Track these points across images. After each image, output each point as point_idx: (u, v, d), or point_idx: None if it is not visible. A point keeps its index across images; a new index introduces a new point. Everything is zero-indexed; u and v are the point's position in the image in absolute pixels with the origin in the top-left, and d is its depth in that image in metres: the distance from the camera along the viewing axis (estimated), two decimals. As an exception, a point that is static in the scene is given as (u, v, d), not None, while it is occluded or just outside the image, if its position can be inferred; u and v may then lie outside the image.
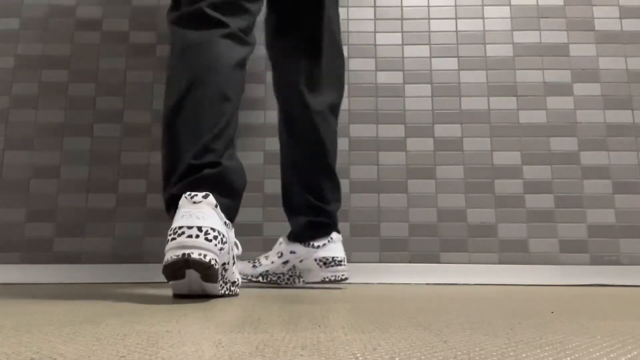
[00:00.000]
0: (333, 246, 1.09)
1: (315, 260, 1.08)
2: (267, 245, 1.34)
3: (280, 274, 1.10)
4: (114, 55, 1.45)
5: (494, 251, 1.34)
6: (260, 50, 1.40)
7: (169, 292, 0.92)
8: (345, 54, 1.44)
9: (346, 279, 1.10)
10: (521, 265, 1.32)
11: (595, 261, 1.32)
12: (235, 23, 0.86)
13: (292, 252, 1.10)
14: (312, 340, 0.38)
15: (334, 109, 1.12)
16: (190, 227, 0.69)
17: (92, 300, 0.73)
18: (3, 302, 0.69)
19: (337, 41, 1.14)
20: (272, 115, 1.43)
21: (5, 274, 1.30)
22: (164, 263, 0.68)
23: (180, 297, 0.74)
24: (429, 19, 1.49)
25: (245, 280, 1.11)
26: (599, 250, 1.33)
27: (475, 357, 0.31)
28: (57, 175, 1.38)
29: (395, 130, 1.42)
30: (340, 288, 1.09)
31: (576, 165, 1.38)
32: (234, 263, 0.80)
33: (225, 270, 0.74)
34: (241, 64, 0.86)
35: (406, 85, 1.45)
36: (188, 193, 0.73)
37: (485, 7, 1.49)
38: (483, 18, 1.48)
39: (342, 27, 1.47)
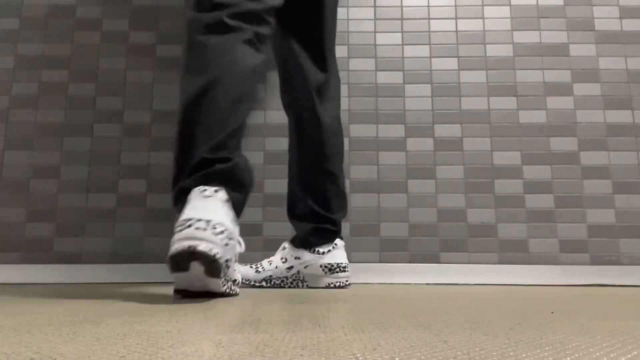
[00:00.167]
0: (337, 252, 1.11)
1: (321, 266, 1.09)
2: (267, 245, 1.34)
3: (283, 278, 1.11)
4: (114, 55, 1.45)
5: (494, 251, 1.34)
6: (260, 50, 1.39)
7: (169, 292, 0.92)
8: (345, 54, 1.44)
9: (349, 285, 1.12)
10: (521, 265, 1.32)
11: (595, 261, 1.32)
12: (254, 31, 0.88)
13: (296, 258, 1.10)
14: (312, 340, 0.38)
15: (340, 119, 1.17)
16: (199, 220, 0.69)
17: (92, 300, 0.73)
18: (3, 302, 0.69)
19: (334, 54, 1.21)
20: (272, 116, 1.43)
21: (5, 274, 1.30)
22: (169, 253, 0.67)
23: (182, 296, 0.74)
24: (429, 19, 1.49)
25: (248, 286, 1.11)
26: (599, 250, 1.33)
27: (475, 357, 0.31)
28: (57, 175, 1.38)
29: (395, 130, 1.42)
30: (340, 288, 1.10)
31: (576, 165, 1.38)
32: (235, 261, 0.80)
33: (228, 267, 0.74)
34: (256, 70, 0.88)
35: (406, 85, 1.45)
36: (199, 187, 0.73)
37: (485, 7, 1.49)
38: (483, 18, 1.48)
39: (342, 27, 1.48)
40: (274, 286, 1.11)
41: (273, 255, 1.18)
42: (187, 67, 0.85)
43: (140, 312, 0.56)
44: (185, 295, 0.74)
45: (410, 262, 1.33)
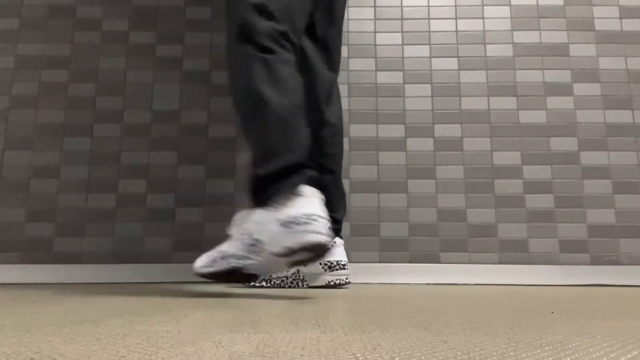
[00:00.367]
0: (337, 250, 1.12)
1: (321, 263, 1.09)
2: (267, 245, 1.34)
3: (283, 277, 1.11)
4: (114, 55, 1.45)
5: (494, 251, 1.34)
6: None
7: (169, 292, 0.92)
8: (345, 54, 1.44)
9: (349, 283, 1.12)
10: (521, 265, 1.32)
11: (595, 261, 1.32)
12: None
13: None
14: (312, 340, 0.38)
15: (342, 121, 1.20)
16: (325, 219, 0.80)
17: (92, 300, 0.73)
18: (3, 302, 0.69)
19: None
20: (272, 115, 1.43)
21: (5, 274, 1.30)
22: (310, 242, 0.77)
23: (187, 296, 0.74)
24: (429, 19, 1.49)
25: (248, 286, 1.11)
26: (599, 250, 1.33)
27: (475, 357, 0.31)
28: (57, 175, 1.38)
29: (395, 130, 1.42)
30: (340, 288, 1.10)
31: (576, 165, 1.38)
32: None
33: None
34: None
35: (406, 85, 1.45)
36: (312, 188, 0.83)
37: (485, 7, 1.49)
38: (483, 18, 1.48)
39: (343, 27, 1.47)
40: (274, 286, 1.11)
41: None
42: (259, 90, 0.88)
43: (140, 312, 0.56)
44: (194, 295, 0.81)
45: (410, 262, 1.33)
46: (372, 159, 1.40)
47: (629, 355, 0.32)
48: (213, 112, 1.43)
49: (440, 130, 1.41)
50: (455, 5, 1.49)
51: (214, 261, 0.84)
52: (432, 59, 1.46)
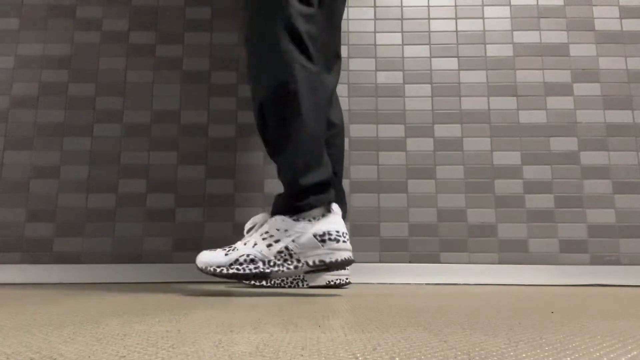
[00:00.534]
0: None
1: None
2: (267, 245, 1.34)
3: (283, 277, 1.11)
4: (114, 55, 1.45)
5: (494, 251, 1.34)
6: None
7: (169, 292, 0.92)
8: (345, 54, 1.44)
9: (349, 283, 1.12)
10: (521, 265, 1.32)
11: (595, 261, 1.32)
12: None
13: None
14: (312, 340, 0.38)
15: (343, 122, 1.21)
16: (347, 234, 0.87)
17: (92, 300, 0.73)
18: (3, 302, 0.69)
19: None
20: (272, 115, 1.42)
21: (5, 274, 1.30)
22: (342, 258, 0.84)
23: (192, 294, 0.74)
24: (429, 19, 1.49)
25: (249, 285, 1.11)
26: (599, 250, 1.33)
27: (475, 357, 0.31)
28: (57, 175, 1.38)
29: (395, 130, 1.42)
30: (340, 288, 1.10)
31: (576, 165, 1.38)
32: None
33: None
34: None
35: (406, 85, 1.45)
36: (337, 206, 0.90)
37: (485, 7, 1.49)
38: (483, 18, 1.48)
39: (343, 27, 1.47)
40: (274, 286, 1.11)
41: None
42: (299, 93, 0.89)
43: (140, 312, 0.56)
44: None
45: (410, 262, 1.33)
46: (372, 159, 1.40)
47: (629, 355, 0.32)
48: (213, 112, 1.43)
49: (440, 130, 1.41)
50: (455, 5, 1.49)
51: (238, 262, 0.83)
52: (432, 59, 1.46)
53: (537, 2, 1.48)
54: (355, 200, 1.37)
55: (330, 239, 0.84)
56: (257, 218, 0.92)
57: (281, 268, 0.83)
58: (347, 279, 1.11)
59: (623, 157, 1.38)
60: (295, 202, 0.87)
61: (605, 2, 1.48)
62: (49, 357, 0.30)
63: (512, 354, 0.33)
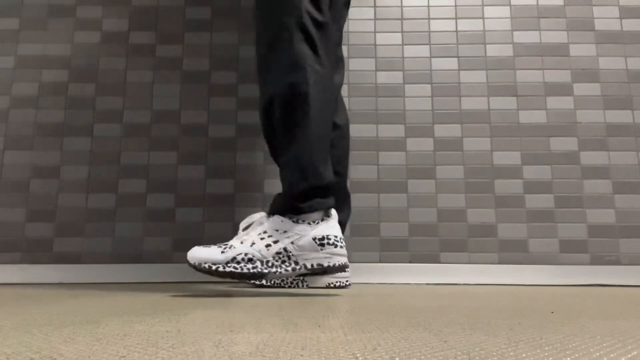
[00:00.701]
0: None
1: None
2: (267, 245, 1.34)
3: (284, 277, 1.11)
4: (114, 55, 1.45)
5: (494, 251, 1.34)
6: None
7: (169, 292, 0.92)
8: (345, 54, 1.44)
9: (349, 285, 1.11)
10: (521, 265, 1.32)
11: (595, 261, 1.32)
12: None
13: None
14: (312, 340, 0.38)
15: (348, 124, 1.21)
16: (343, 239, 0.89)
17: (92, 300, 0.73)
18: (3, 302, 0.69)
19: None
20: (272, 115, 1.42)
21: (5, 274, 1.30)
22: (339, 263, 0.85)
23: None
24: (429, 19, 1.49)
25: (250, 285, 1.11)
26: (599, 250, 1.33)
27: (475, 357, 0.31)
28: (57, 175, 1.38)
29: (395, 130, 1.42)
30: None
31: (576, 165, 1.38)
32: None
33: None
34: None
35: (406, 85, 1.45)
36: (334, 211, 0.90)
37: (485, 7, 1.49)
38: (483, 18, 1.48)
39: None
40: (274, 286, 1.11)
41: None
42: (309, 95, 0.90)
43: (140, 312, 0.56)
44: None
45: (410, 262, 1.33)
46: (372, 159, 1.40)
47: (629, 355, 0.32)
48: (213, 112, 1.43)
49: (440, 130, 1.41)
50: (455, 5, 1.49)
51: (235, 261, 0.81)
52: (432, 59, 1.46)
53: (537, 2, 1.48)
54: (355, 200, 1.37)
55: (329, 244, 0.84)
56: (254, 216, 0.91)
57: (278, 269, 0.83)
58: (347, 281, 1.11)
59: (623, 157, 1.38)
60: (297, 204, 0.86)
61: (605, 2, 1.48)
62: (49, 357, 0.30)
63: (512, 354, 0.33)
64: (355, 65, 1.46)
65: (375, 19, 1.49)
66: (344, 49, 1.43)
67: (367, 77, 1.45)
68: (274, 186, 1.38)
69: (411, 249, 1.34)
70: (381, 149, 1.40)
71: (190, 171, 1.39)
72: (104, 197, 1.37)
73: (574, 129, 1.41)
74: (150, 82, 1.44)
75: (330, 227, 0.87)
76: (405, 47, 1.47)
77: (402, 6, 1.49)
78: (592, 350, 0.34)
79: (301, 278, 1.11)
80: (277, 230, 0.85)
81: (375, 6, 1.49)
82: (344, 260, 0.86)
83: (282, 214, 0.87)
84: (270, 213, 0.89)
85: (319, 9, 0.92)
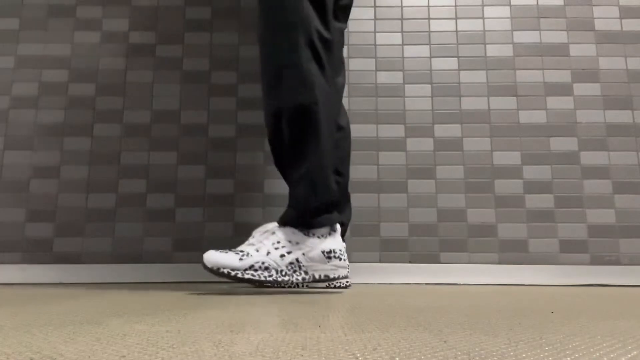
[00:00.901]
0: None
1: None
2: (267, 245, 1.34)
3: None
4: (114, 55, 1.45)
5: (494, 251, 1.34)
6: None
7: (168, 292, 0.92)
8: (345, 54, 1.44)
9: (349, 285, 1.12)
10: (521, 265, 1.32)
11: (595, 261, 1.32)
12: None
13: None
14: (312, 340, 0.38)
15: (350, 126, 1.22)
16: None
17: (92, 300, 0.73)
18: (3, 302, 0.69)
19: None
20: (272, 115, 1.42)
21: (5, 274, 1.30)
22: (342, 274, 0.95)
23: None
24: (429, 19, 1.49)
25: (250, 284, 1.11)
26: (599, 250, 1.33)
27: (475, 357, 0.31)
28: (57, 175, 1.38)
29: (395, 130, 1.42)
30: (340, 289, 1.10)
31: (576, 165, 1.38)
32: None
33: None
34: None
35: (406, 85, 1.45)
36: (338, 225, 0.99)
37: (485, 7, 1.49)
38: (483, 18, 1.48)
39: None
40: (274, 286, 1.11)
41: None
42: (316, 100, 0.95)
43: (140, 312, 0.56)
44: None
45: (410, 262, 1.33)
46: (372, 159, 1.40)
47: (629, 355, 0.32)
48: (213, 112, 1.43)
49: (440, 130, 1.41)
50: (455, 5, 1.49)
51: (252, 268, 0.88)
52: (432, 59, 1.46)
53: (537, 2, 1.48)
54: (355, 200, 1.37)
55: (334, 257, 0.94)
56: (268, 226, 0.98)
57: (291, 278, 0.90)
58: (347, 281, 1.11)
59: (623, 157, 1.38)
60: (308, 219, 0.94)
61: (605, 2, 1.48)
62: (49, 357, 0.30)
63: (512, 354, 0.33)
64: (355, 65, 1.46)
65: (375, 19, 1.49)
66: (345, 49, 1.43)
67: (367, 77, 1.45)
68: (274, 186, 1.38)
69: (411, 249, 1.34)
70: (381, 149, 1.40)
71: (190, 171, 1.39)
72: (104, 197, 1.37)
73: (574, 129, 1.41)
74: (150, 82, 1.44)
75: (337, 241, 0.96)
76: (405, 47, 1.47)
77: (402, 6, 1.49)
78: (592, 350, 0.34)
79: (302, 278, 1.11)
80: (289, 242, 0.92)
81: (375, 6, 1.49)
82: (345, 272, 0.96)
83: (294, 226, 0.94)
84: (283, 224, 0.95)
85: (327, 27, 0.95)
